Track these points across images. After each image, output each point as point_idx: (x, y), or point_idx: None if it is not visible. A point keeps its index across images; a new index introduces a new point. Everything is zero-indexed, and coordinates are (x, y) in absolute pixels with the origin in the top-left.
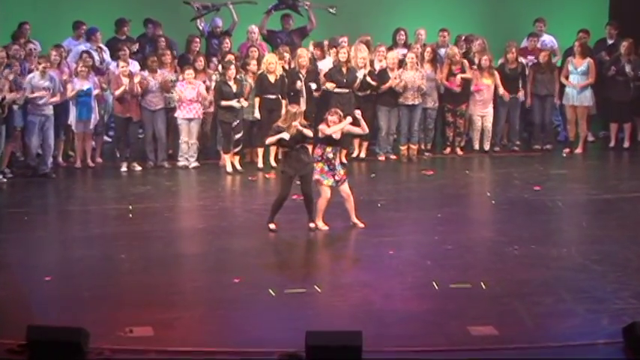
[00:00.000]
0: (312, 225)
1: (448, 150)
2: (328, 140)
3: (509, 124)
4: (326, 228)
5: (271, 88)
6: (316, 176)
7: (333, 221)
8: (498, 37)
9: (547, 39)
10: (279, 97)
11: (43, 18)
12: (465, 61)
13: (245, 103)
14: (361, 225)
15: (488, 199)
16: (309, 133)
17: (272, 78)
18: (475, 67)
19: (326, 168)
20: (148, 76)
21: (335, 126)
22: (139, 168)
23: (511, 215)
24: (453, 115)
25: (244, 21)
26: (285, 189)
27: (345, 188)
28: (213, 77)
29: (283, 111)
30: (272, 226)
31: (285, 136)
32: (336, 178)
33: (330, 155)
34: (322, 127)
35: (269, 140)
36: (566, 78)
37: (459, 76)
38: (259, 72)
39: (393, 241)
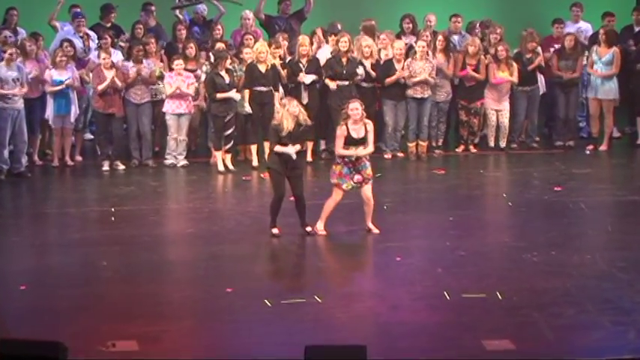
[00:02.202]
0: (308, 229)
1: (461, 148)
2: (348, 140)
3: (528, 119)
4: (324, 233)
5: (262, 79)
6: (334, 180)
7: (336, 225)
8: (515, 24)
9: (583, 26)
10: (272, 89)
11: (30, 2)
12: (483, 57)
13: (237, 97)
14: (376, 231)
15: (505, 201)
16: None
17: (262, 68)
18: (489, 57)
19: (345, 170)
20: (132, 67)
21: (346, 151)
22: (122, 167)
23: (529, 218)
24: (467, 114)
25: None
26: (279, 188)
27: (366, 190)
28: (204, 68)
29: (276, 104)
30: (275, 230)
31: (291, 150)
32: (356, 180)
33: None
34: (340, 130)
35: (277, 149)
36: (590, 67)
37: (469, 71)
38: (248, 62)
39: (401, 247)
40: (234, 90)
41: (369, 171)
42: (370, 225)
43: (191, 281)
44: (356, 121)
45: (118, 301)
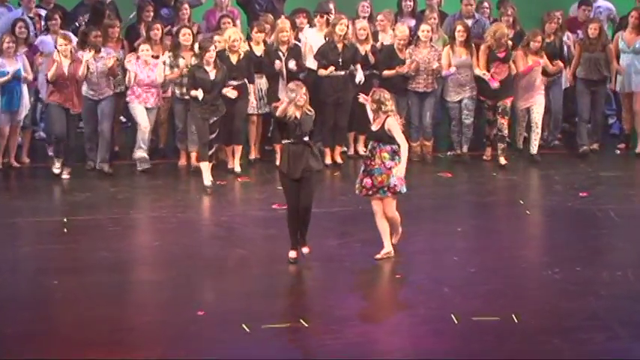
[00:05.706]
0: (304, 250)
1: (489, 153)
2: (368, 132)
3: (551, 114)
4: (392, 255)
5: (233, 72)
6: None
7: (326, 237)
8: (534, 5)
9: (603, 5)
10: (245, 81)
11: None
12: (510, 43)
13: (233, 94)
14: (388, 251)
15: (522, 209)
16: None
17: (234, 59)
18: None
19: (362, 169)
20: (87, 53)
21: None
22: (66, 173)
23: (551, 229)
24: (494, 113)
25: None
26: (289, 196)
27: (386, 206)
28: (166, 59)
29: (251, 97)
30: (292, 254)
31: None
32: (364, 183)
33: (367, 152)
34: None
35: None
36: (616, 57)
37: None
38: (218, 50)
39: (401, 263)
40: (229, 87)
41: (382, 179)
42: (393, 242)
43: (156, 303)
44: (374, 112)
45: (72, 327)
